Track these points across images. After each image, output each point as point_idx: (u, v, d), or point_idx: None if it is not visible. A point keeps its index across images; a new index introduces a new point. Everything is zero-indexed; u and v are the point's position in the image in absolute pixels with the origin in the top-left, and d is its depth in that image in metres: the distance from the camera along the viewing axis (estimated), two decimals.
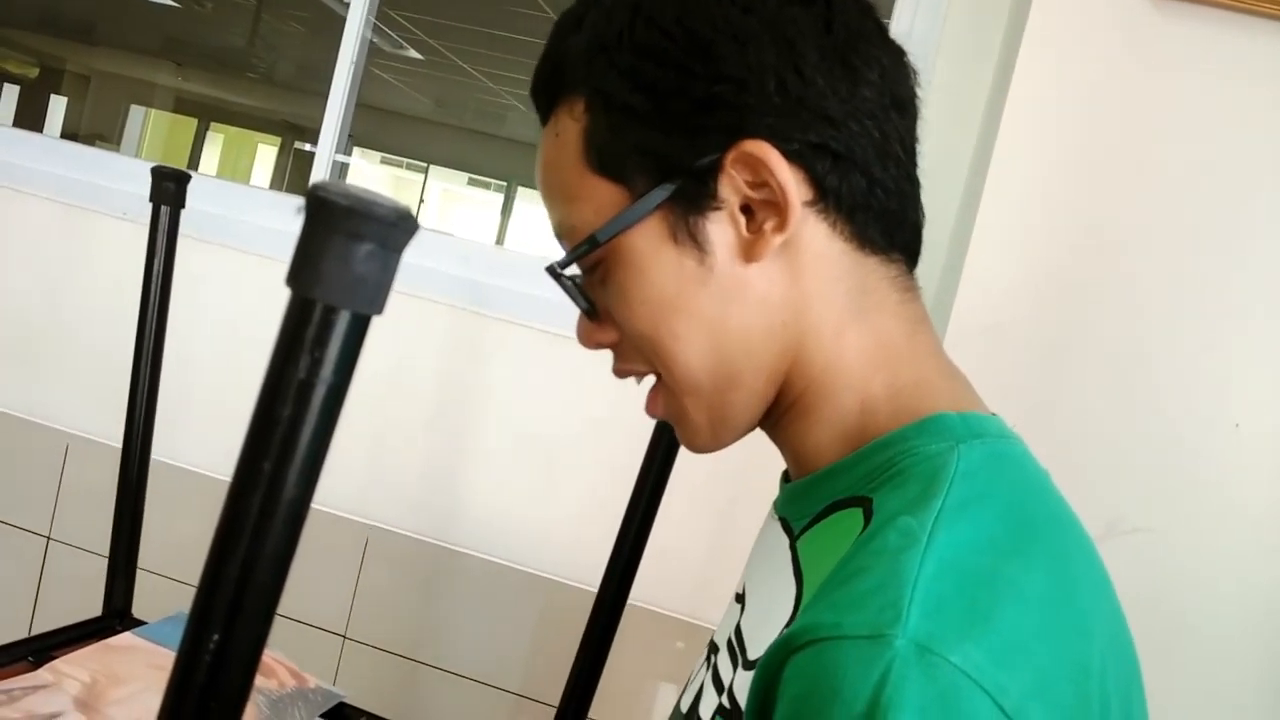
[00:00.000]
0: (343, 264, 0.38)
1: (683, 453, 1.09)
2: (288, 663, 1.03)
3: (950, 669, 0.43)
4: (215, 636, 0.39)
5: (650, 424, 1.06)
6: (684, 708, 0.67)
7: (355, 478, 1.57)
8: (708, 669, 0.65)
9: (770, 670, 0.49)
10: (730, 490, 1.45)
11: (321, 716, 1.00)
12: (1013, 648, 0.46)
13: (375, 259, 0.38)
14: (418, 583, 1.57)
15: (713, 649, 0.67)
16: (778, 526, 0.64)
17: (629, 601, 1.09)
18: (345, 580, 1.57)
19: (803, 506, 0.61)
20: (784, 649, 0.48)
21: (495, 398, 1.54)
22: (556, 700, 1.06)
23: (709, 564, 1.48)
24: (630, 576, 1.06)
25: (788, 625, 0.54)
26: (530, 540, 1.53)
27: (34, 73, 8.68)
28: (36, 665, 0.95)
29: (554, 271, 0.62)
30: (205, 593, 0.40)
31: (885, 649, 0.44)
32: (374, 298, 0.39)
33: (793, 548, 0.60)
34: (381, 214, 0.36)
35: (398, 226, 0.38)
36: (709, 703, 0.61)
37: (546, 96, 0.63)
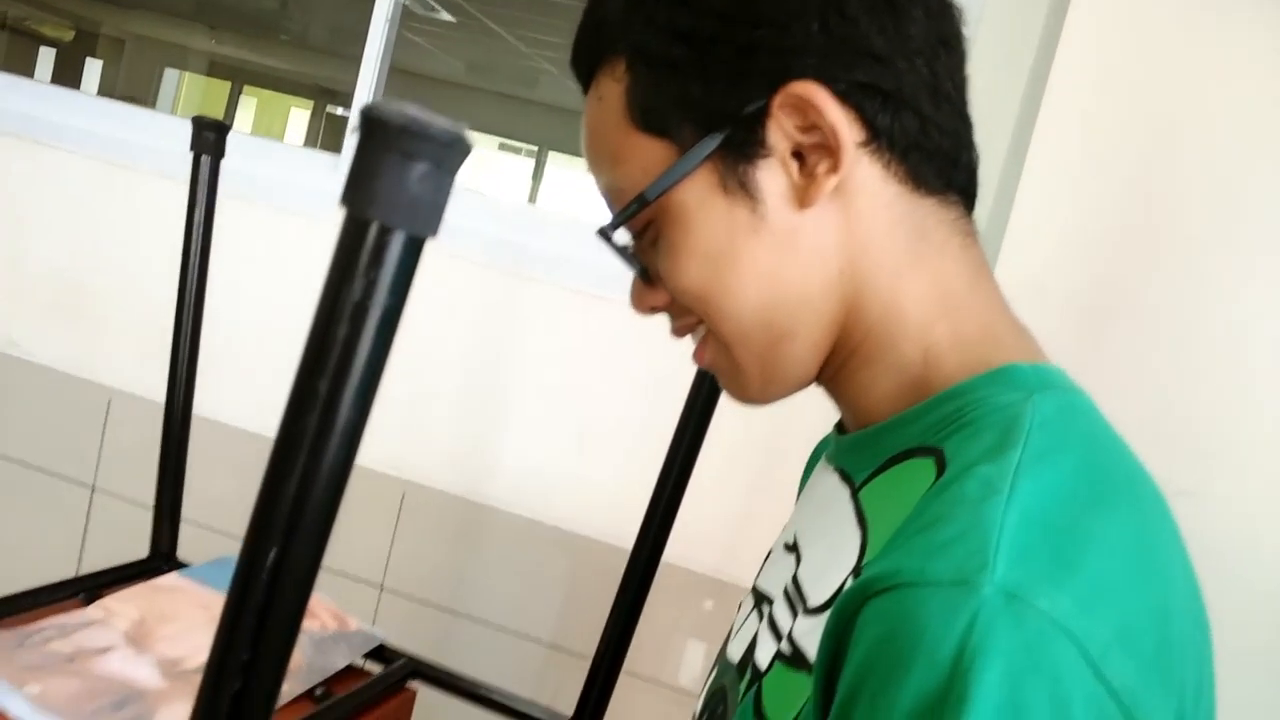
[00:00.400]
0: (397, 184, 0.38)
1: (718, 412, 1.10)
2: (330, 605, 1.04)
3: (1038, 616, 0.43)
4: (273, 552, 0.40)
5: (686, 384, 1.06)
6: (734, 658, 0.67)
7: (392, 434, 1.59)
8: (761, 618, 0.65)
9: (844, 615, 0.49)
10: (765, 449, 1.46)
11: (363, 657, 1.02)
12: (1098, 596, 0.46)
13: (430, 179, 0.38)
14: (453, 538, 1.59)
15: (762, 599, 0.67)
16: (835, 477, 0.64)
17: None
18: (382, 534, 1.59)
19: (864, 457, 0.60)
20: (860, 594, 0.48)
21: (530, 356, 1.55)
22: (587, 655, 1.07)
23: (742, 523, 1.48)
24: (664, 534, 1.06)
25: (854, 573, 0.54)
26: (564, 497, 1.54)
27: (70, 36, 8.74)
28: (87, 602, 0.97)
29: (604, 235, 0.61)
30: (263, 510, 0.41)
31: (972, 596, 0.44)
32: (429, 219, 0.39)
33: (855, 498, 0.59)
34: (436, 134, 0.37)
35: (452, 147, 0.38)
36: (766, 650, 0.61)
37: (587, 63, 0.62)
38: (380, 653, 1.04)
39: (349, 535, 1.50)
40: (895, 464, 0.57)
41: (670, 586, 1.40)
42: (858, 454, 0.62)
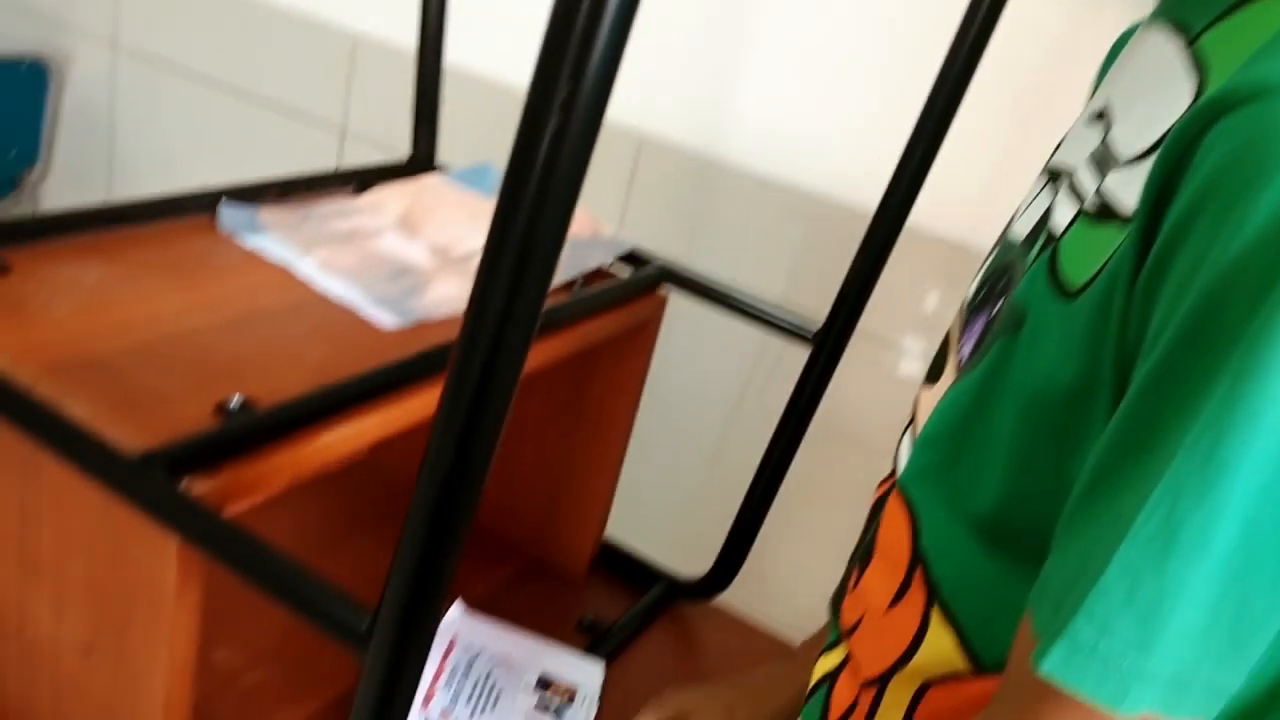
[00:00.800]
0: None
1: (982, 67, 1.00)
2: (585, 213, 1.06)
3: None
4: (550, 128, 0.40)
5: (944, 38, 0.97)
6: (1019, 235, 0.65)
7: (630, 84, 1.54)
8: (1054, 193, 0.62)
9: (1182, 143, 0.44)
10: (1025, 116, 1.35)
11: (616, 262, 1.04)
12: None
13: None
14: (687, 194, 1.57)
15: (1058, 174, 0.63)
16: (1162, 35, 0.57)
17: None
18: (617, 191, 1.59)
19: (1208, 3, 0.53)
20: (1206, 115, 0.43)
21: (778, 3, 1.45)
22: (818, 317, 1.05)
23: (992, 186, 1.40)
24: (911, 198, 1.01)
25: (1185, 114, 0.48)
26: (805, 156, 1.48)
27: None
28: (358, 193, 1.02)
29: None
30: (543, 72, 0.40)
31: None
32: None
33: (1190, 46, 0.53)
34: None
35: None
36: (1064, 214, 0.58)
37: None
38: (632, 260, 1.06)
39: (583, 191, 1.51)
40: (1249, 2, 0.50)
41: (909, 253, 1.36)
42: (1198, 2, 0.55)
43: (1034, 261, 0.59)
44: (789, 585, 1.43)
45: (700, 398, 1.59)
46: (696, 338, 1.49)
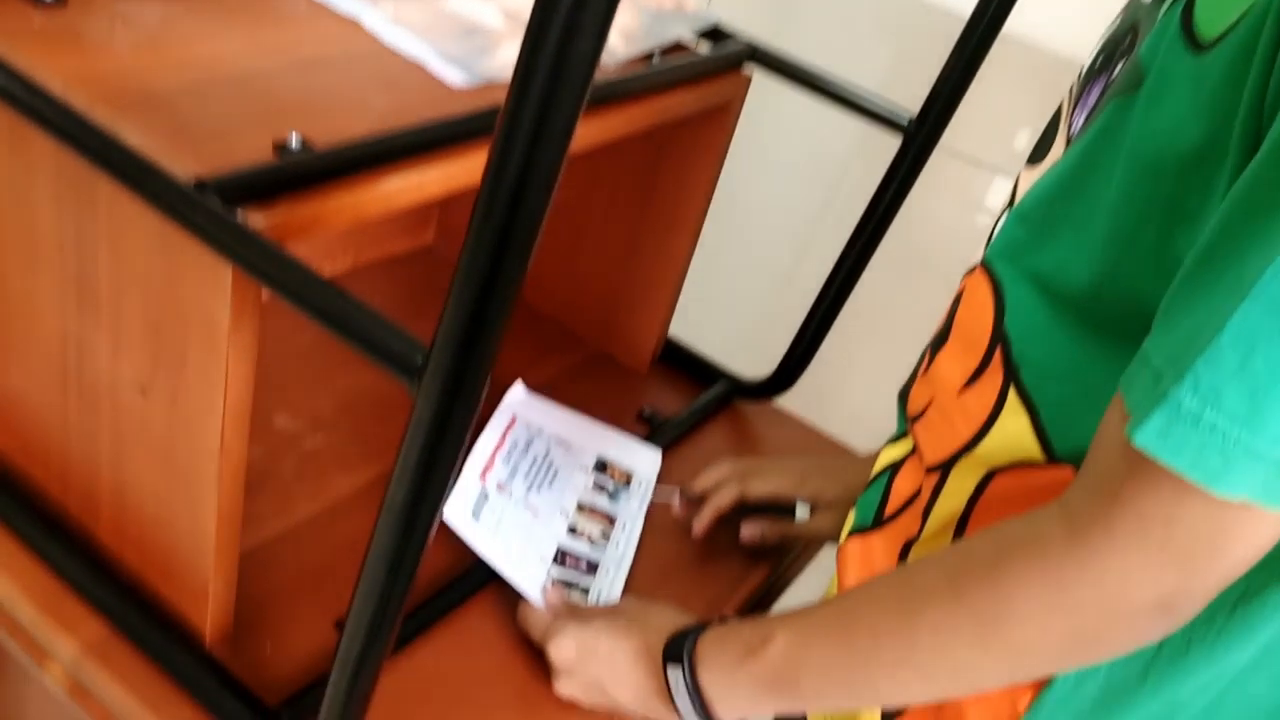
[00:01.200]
0: None
1: None
2: None
3: None
4: None
5: None
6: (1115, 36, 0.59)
7: None
8: None
9: None
10: None
11: (699, 38, 0.99)
12: None
13: None
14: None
15: None
16: None
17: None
18: None
19: None
20: None
21: None
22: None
23: None
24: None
25: None
26: None
27: None
28: None
29: None
30: None
31: None
32: None
33: None
34: None
35: None
36: None
37: None
38: (717, 37, 1.00)
39: None
40: None
41: (1006, 62, 1.28)
42: None
43: (1164, 14, 0.53)
44: (851, 408, 1.42)
45: (778, 204, 1.54)
46: (779, 136, 1.43)
